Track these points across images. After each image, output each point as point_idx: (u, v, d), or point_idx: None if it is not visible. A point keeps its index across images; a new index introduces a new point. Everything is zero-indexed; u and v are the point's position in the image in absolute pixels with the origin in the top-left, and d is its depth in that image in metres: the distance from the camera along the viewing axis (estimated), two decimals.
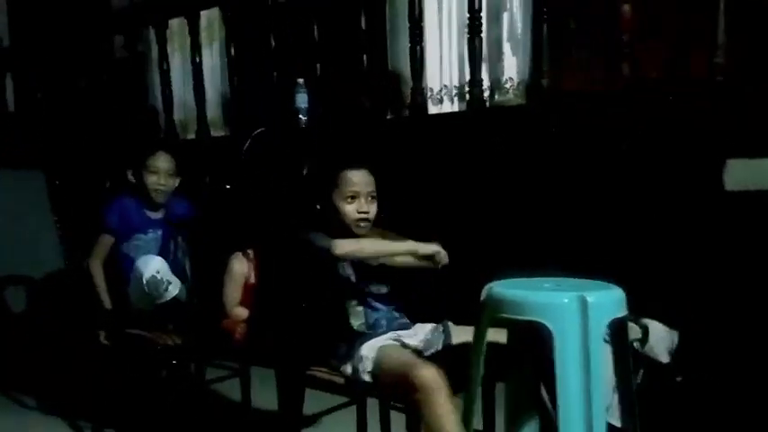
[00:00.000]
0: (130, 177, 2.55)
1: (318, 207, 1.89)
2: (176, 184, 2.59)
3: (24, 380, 3.16)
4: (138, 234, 2.54)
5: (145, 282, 2.34)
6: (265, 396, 2.42)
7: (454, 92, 3.31)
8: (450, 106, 3.31)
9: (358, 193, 1.85)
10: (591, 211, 2.37)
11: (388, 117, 3.24)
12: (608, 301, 1.35)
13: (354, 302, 1.87)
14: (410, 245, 1.81)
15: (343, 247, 1.77)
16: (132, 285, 2.41)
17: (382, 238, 1.92)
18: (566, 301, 1.31)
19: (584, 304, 1.30)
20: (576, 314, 1.30)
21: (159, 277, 2.35)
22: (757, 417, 2.03)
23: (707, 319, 2.14)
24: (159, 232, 2.58)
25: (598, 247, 2.32)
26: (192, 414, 2.51)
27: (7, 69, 4.45)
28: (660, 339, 2.08)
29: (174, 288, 2.38)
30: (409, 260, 1.85)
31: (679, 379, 2.16)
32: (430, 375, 1.51)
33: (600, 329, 1.31)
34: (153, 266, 2.37)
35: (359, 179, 1.85)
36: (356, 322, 1.86)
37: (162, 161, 2.54)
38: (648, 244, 2.27)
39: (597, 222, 2.36)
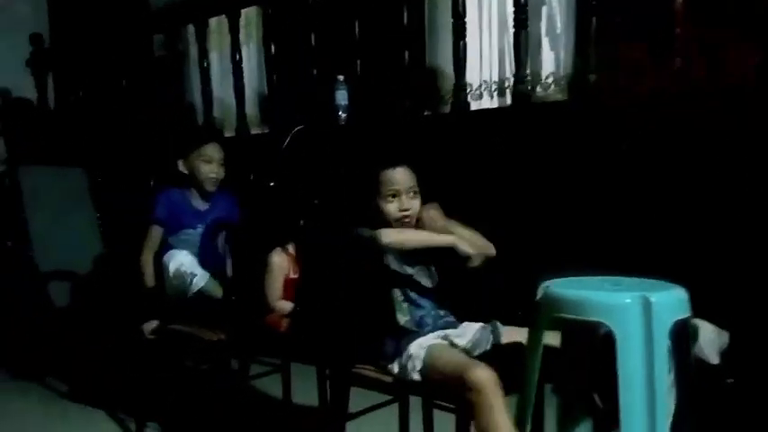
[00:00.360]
0: (182, 168, 2.56)
1: (361, 208, 1.87)
2: (223, 175, 2.61)
3: (67, 373, 3.21)
4: (186, 229, 2.56)
5: (171, 275, 2.41)
6: (305, 392, 2.43)
7: (493, 87, 3.27)
8: (489, 102, 3.28)
9: (398, 191, 1.83)
10: (639, 210, 2.32)
11: (426, 114, 3.22)
12: (671, 301, 1.31)
13: (400, 298, 1.85)
14: (450, 240, 1.78)
15: (389, 235, 1.76)
16: (164, 278, 2.46)
17: (432, 223, 1.88)
18: (628, 301, 1.28)
19: (647, 304, 1.26)
20: (639, 315, 1.26)
21: (183, 270, 2.40)
22: None
23: (758, 320, 2.08)
24: (204, 226, 2.58)
25: (645, 246, 2.28)
26: (233, 409, 2.52)
27: (48, 69, 4.52)
28: (710, 340, 2.02)
29: (201, 280, 2.41)
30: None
31: (730, 381, 2.11)
32: (485, 376, 1.49)
33: (664, 331, 1.27)
34: (178, 260, 2.43)
35: (398, 177, 1.84)
36: (402, 318, 1.84)
37: (215, 150, 2.56)
38: (698, 243, 2.21)
39: (645, 221, 2.32)
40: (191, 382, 2.76)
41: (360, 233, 1.79)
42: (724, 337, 2.10)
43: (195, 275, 2.40)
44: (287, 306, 2.42)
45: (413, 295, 1.86)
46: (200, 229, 2.57)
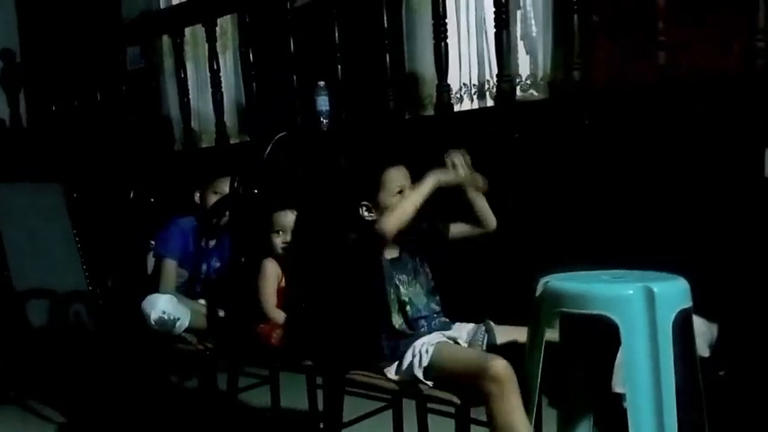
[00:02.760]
0: (197, 199, 2.56)
1: (360, 209, 1.84)
2: None
3: (47, 394, 3.13)
4: (196, 266, 2.53)
5: (153, 322, 2.36)
6: (295, 403, 2.39)
7: (473, 90, 3.28)
8: (469, 105, 3.28)
9: (404, 187, 1.83)
10: (625, 205, 2.32)
11: (408, 117, 3.22)
12: (674, 291, 1.30)
13: (395, 303, 1.82)
14: (431, 180, 1.75)
15: (390, 222, 1.72)
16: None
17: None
18: (631, 292, 1.27)
19: (650, 295, 1.25)
20: (643, 306, 1.25)
21: (166, 317, 2.35)
22: None
23: (747, 311, 2.08)
24: (211, 262, 2.55)
25: (632, 240, 2.28)
26: (221, 425, 2.47)
27: (20, 85, 4.44)
28: (700, 334, 2.03)
29: (184, 321, 2.37)
30: (464, 229, 1.90)
31: (722, 373, 2.11)
32: (505, 368, 1.49)
33: (667, 321, 1.26)
34: (159, 307, 2.37)
35: (402, 174, 1.84)
36: (398, 321, 1.81)
37: (228, 186, 2.51)
38: (683, 236, 2.22)
39: (631, 216, 2.32)
40: (177, 398, 2.70)
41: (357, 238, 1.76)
42: (713, 330, 2.11)
43: (178, 319, 2.36)
44: (281, 316, 2.37)
45: (406, 298, 1.83)
46: (214, 265, 2.54)
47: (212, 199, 2.53)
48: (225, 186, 2.51)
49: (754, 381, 2.06)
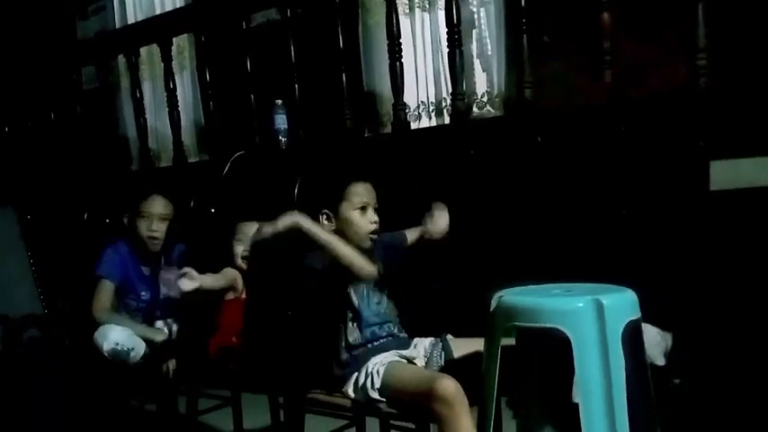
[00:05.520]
0: (126, 223, 2.50)
1: (320, 217, 1.83)
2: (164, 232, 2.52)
3: (3, 419, 3.05)
4: (131, 294, 2.50)
5: (105, 353, 2.31)
6: (257, 424, 2.36)
7: (431, 108, 3.33)
8: (427, 122, 3.33)
9: (368, 204, 1.83)
10: (577, 217, 2.37)
11: (366, 135, 3.25)
12: (623, 303, 1.34)
13: (351, 317, 1.82)
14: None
15: (363, 267, 1.73)
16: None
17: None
18: (581, 305, 1.30)
19: (599, 308, 1.29)
20: (593, 318, 1.28)
21: (119, 348, 2.31)
22: (758, 417, 2.02)
23: (699, 319, 2.14)
24: (149, 294, 2.52)
25: (587, 253, 2.32)
26: None
27: None
28: (655, 344, 2.08)
29: (139, 350, 2.33)
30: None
31: (677, 381, 2.16)
32: (453, 388, 1.50)
33: (617, 333, 1.29)
34: (112, 338, 2.33)
35: (368, 191, 1.84)
36: (354, 341, 1.81)
37: (156, 206, 2.47)
38: (637, 247, 2.27)
39: (585, 229, 2.36)
40: (137, 422, 2.66)
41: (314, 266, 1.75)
42: (667, 339, 2.16)
43: (132, 348, 2.32)
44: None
45: (366, 315, 1.83)
46: (145, 296, 2.50)
47: (141, 223, 2.46)
48: (152, 207, 2.47)
49: (708, 388, 2.11)
